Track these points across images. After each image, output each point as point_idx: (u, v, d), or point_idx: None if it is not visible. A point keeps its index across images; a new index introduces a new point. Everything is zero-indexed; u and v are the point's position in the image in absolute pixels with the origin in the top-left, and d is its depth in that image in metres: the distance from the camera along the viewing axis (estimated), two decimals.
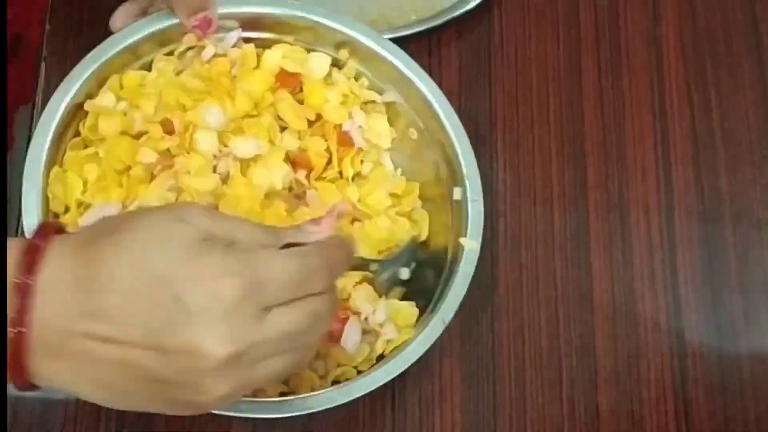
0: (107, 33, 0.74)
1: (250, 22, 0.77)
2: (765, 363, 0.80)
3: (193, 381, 0.49)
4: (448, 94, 0.76)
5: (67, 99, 0.71)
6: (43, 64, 0.82)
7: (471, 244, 0.73)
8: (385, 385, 0.67)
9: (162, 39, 0.75)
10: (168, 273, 0.49)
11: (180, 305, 0.48)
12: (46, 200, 0.70)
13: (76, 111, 0.72)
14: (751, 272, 0.83)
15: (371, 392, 0.67)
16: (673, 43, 0.89)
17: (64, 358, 0.49)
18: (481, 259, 0.74)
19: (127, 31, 0.74)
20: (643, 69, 0.88)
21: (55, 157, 0.71)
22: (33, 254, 0.49)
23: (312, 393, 0.67)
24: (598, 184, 0.84)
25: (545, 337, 0.79)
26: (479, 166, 0.75)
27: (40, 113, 0.71)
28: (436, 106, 0.77)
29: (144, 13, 0.75)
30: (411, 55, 0.77)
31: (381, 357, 0.71)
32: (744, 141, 0.87)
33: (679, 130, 0.86)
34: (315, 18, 0.77)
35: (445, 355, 0.77)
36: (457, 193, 0.75)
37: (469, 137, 0.75)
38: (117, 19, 0.75)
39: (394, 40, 0.78)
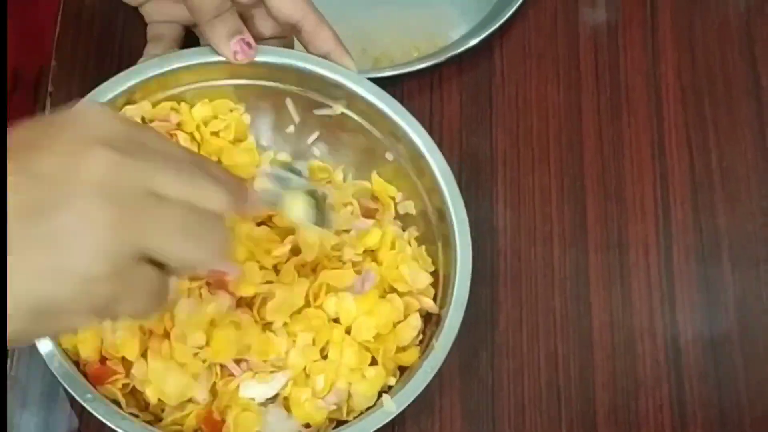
0: (113, 69, 0.73)
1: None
2: (764, 400, 0.80)
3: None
4: (450, 130, 0.76)
5: None
6: (48, 100, 0.82)
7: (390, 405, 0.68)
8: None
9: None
10: None
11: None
12: None
13: None
14: (750, 310, 0.83)
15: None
16: (672, 83, 0.90)
17: None
18: (480, 297, 0.74)
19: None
20: (643, 109, 0.89)
21: None
22: None
23: None
24: (598, 223, 0.84)
25: (544, 374, 0.79)
26: (479, 203, 0.74)
27: None
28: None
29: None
30: (412, 92, 0.76)
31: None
32: (742, 180, 0.87)
33: (678, 170, 0.87)
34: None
35: (445, 393, 0.77)
36: None
37: (470, 175, 0.75)
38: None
39: (397, 77, 0.79)
